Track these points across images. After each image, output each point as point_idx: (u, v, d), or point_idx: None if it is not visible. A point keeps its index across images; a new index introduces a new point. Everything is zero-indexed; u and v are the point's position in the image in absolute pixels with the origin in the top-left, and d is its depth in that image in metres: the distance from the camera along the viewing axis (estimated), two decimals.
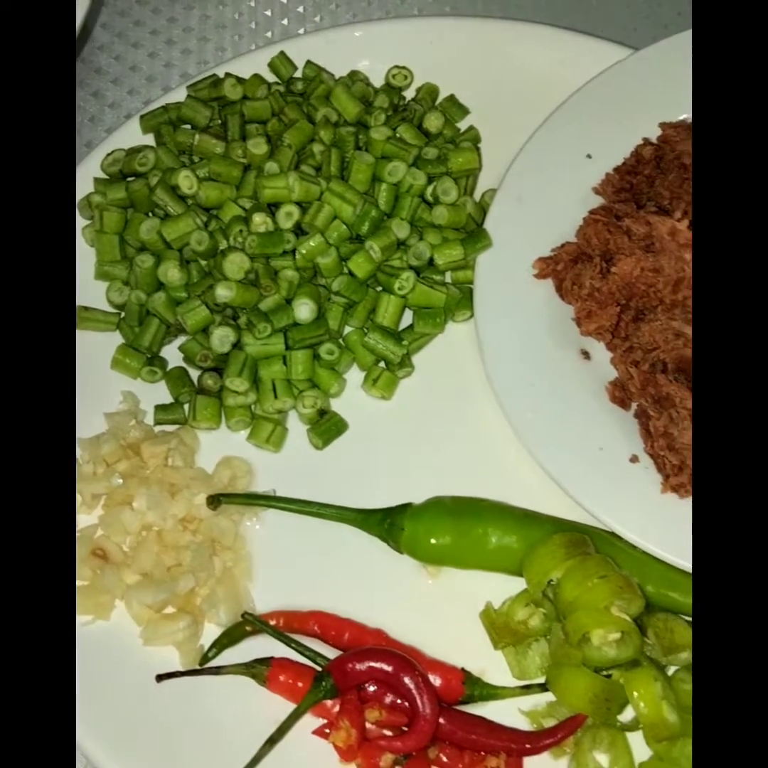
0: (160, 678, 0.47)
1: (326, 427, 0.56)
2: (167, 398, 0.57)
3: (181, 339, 0.58)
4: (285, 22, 0.77)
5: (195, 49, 0.75)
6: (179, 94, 0.64)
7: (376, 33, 0.70)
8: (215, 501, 0.51)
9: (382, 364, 0.58)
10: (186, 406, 0.56)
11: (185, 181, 0.57)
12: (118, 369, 0.57)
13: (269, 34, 0.77)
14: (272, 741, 0.45)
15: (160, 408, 0.56)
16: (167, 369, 0.57)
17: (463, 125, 0.66)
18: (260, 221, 0.56)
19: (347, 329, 0.59)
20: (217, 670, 0.48)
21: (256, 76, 0.64)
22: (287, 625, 0.50)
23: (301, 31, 0.76)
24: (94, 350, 0.57)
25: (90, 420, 0.54)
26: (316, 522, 0.54)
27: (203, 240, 0.55)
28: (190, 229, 0.56)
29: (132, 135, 0.63)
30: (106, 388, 0.56)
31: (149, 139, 0.63)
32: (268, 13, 0.78)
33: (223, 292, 0.54)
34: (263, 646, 0.50)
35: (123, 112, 0.72)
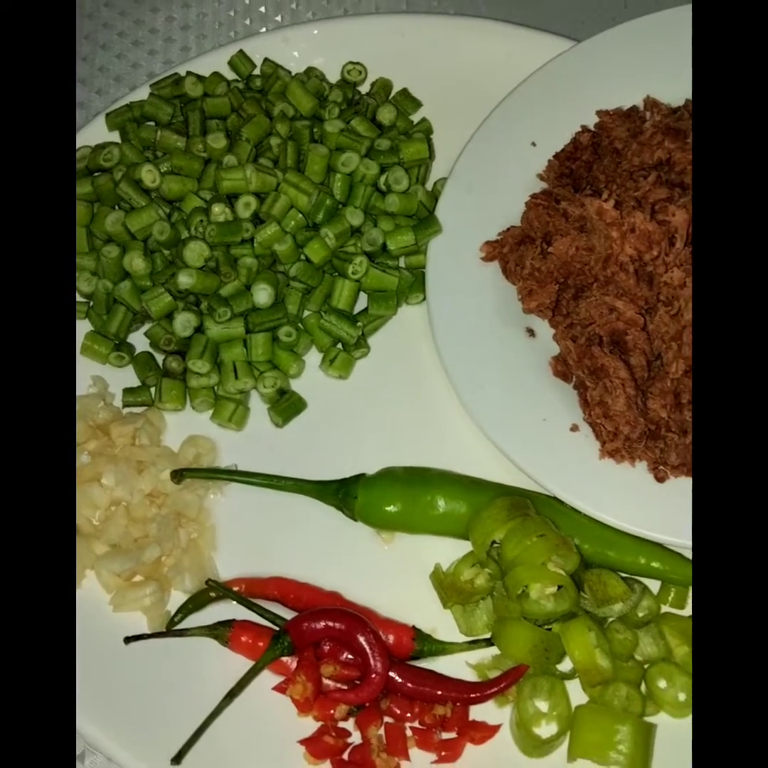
0: (127, 640, 0.50)
1: (285, 405, 0.59)
2: (134, 382, 0.60)
3: (147, 325, 0.61)
4: (247, 21, 0.80)
5: (161, 50, 0.78)
6: (143, 93, 0.67)
7: (332, 31, 0.73)
8: (179, 475, 0.54)
9: (339, 345, 0.61)
10: (153, 389, 0.59)
11: (148, 174, 0.60)
12: (87, 355, 0.60)
13: (232, 33, 0.80)
14: (232, 695, 0.48)
15: (127, 391, 0.59)
16: (134, 354, 0.60)
17: (415, 117, 0.70)
18: (219, 211, 0.59)
19: (305, 313, 0.62)
20: (182, 632, 0.51)
21: (216, 74, 0.67)
22: (249, 590, 0.53)
23: (263, 30, 0.79)
24: None
25: None
26: (276, 495, 0.57)
27: (165, 230, 0.58)
28: (152, 221, 0.59)
29: (98, 132, 0.66)
30: (82, 374, 0.59)
31: (115, 136, 0.66)
32: (231, 13, 0.81)
33: (185, 279, 0.57)
34: (227, 610, 0.53)
35: (92, 111, 0.74)
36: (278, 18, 0.80)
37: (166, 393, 0.58)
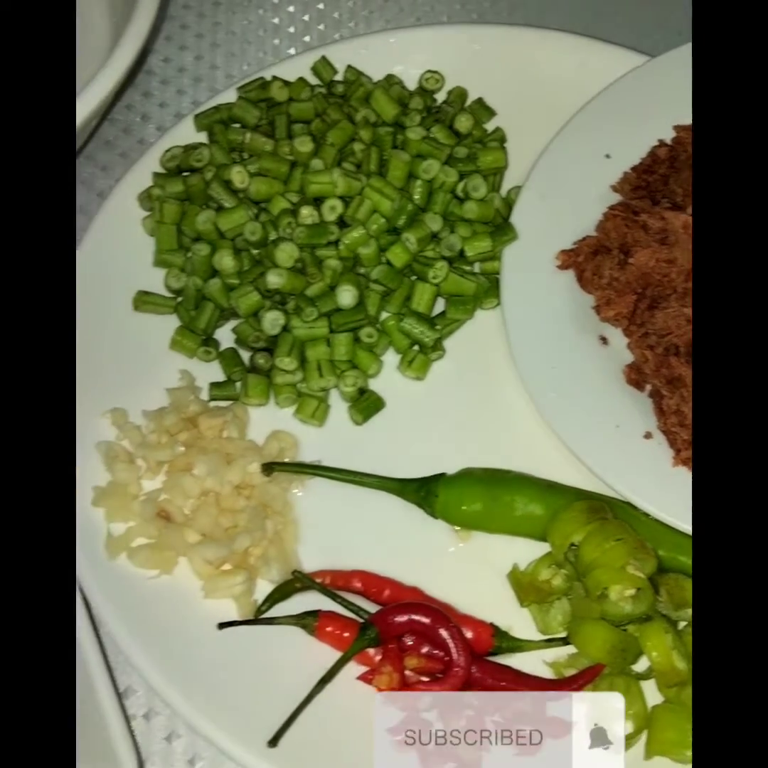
0: (221, 626, 0.52)
1: (366, 404, 0.61)
2: (217, 376, 0.62)
3: (232, 322, 0.63)
4: (322, 27, 0.82)
5: (238, 52, 0.80)
6: (228, 96, 0.69)
7: (409, 39, 0.74)
8: (269, 469, 0.56)
9: (415, 347, 0.63)
10: (237, 384, 0.61)
11: (238, 176, 0.62)
12: (176, 349, 0.62)
13: (307, 38, 0.82)
14: (323, 681, 0.50)
15: (214, 385, 0.61)
16: (220, 349, 0.62)
17: (489, 126, 0.71)
18: (307, 213, 0.61)
19: (384, 315, 0.64)
20: (271, 620, 0.53)
21: (301, 80, 0.69)
22: (332, 582, 0.55)
23: (337, 35, 0.81)
24: (154, 331, 0.62)
25: (151, 394, 0.59)
26: (355, 490, 0.59)
27: (256, 231, 0.60)
28: (243, 221, 0.61)
29: (185, 132, 0.68)
30: (164, 366, 0.61)
31: (202, 137, 0.68)
32: (306, 17, 0.83)
33: (274, 279, 0.59)
34: (310, 601, 0.54)
35: (172, 110, 0.76)
36: (352, 24, 0.82)
37: (252, 388, 0.60)
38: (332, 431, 0.61)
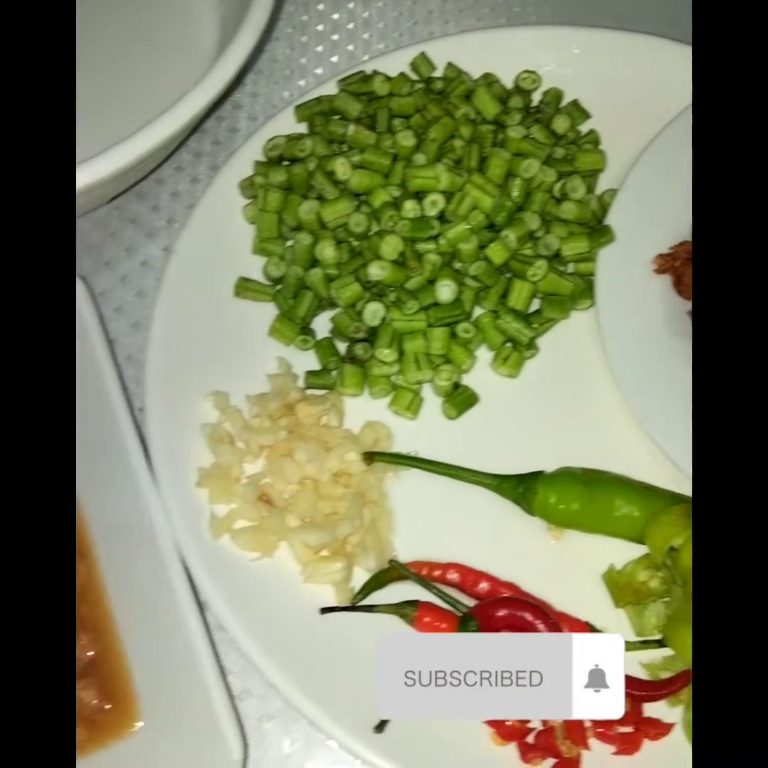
0: (323, 610, 0.52)
1: (460, 399, 0.61)
2: (310, 365, 0.62)
3: (328, 312, 0.63)
4: (411, 23, 0.82)
5: (328, 47, 0.81)
6: (327, 88, 0.70)
7: (503, 39, 0.75)
8: (370, 458, 0.57)
9: (508, 344, 0.63)
10: (333, 373, 0.62)
11: (341, 167, 0.63)
12: (274, 336, 0.62)
13: (397, 34, 0.82)
14: None
15: (311, 373, 0.61)
16: (317, 339, 0.63)
17: (582, 129, 0.71)
18: (411, 207, 0.61)
19: (477, 311, 0.64)
20: (371, 608, 0.53)
21: (403, 75, 0.69)
22: (428, 574, 0.55)
23: (428, 33, 0.81)
24: (252, 318, 0.63)
25: (249, 380, 0.60)
26: (447, 484, 0.59)
27: (361, 222, 0.61)
28: (346, 212, 0.61)
29: (285, 123, 0.68)
30: (261, 352, 0.62)
31: (300, 127, 0.68)
32: (396, 13, 0.83)
33: (377, 271, 0.60)
34: (403, 591, 0.55)
35: (263, 100, 0.77)
36: (443, 22, 0.83)
37: (348, 378, 0.60)
38: (424, 424, 0.62)
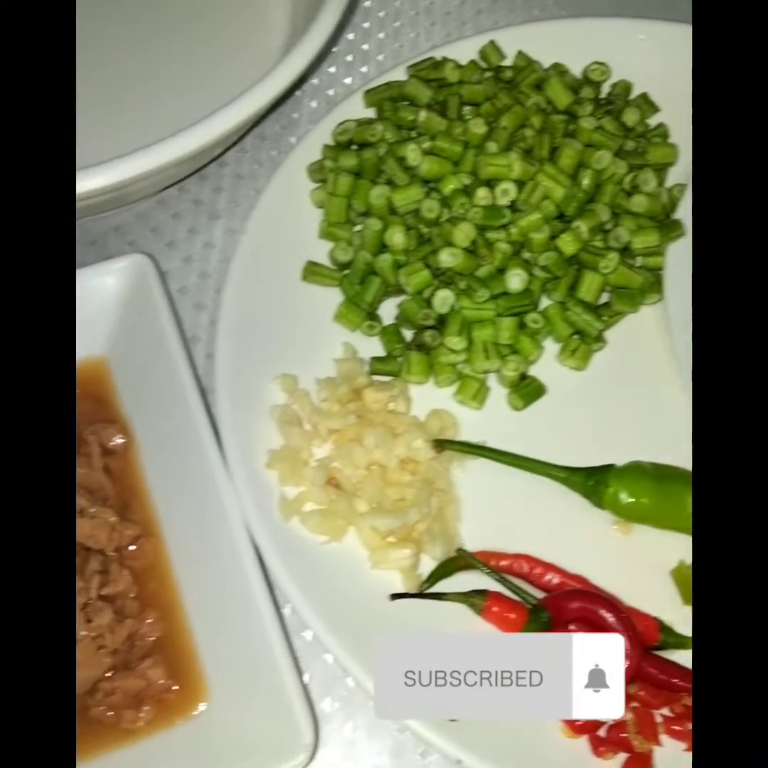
0: (393, 597, 0.52)
1: (527, 390, 0.60)
2: (373, 351, 0.62)
3: (394, 299, 0.63)
4: (475, 12, 0.82)
5: (391, 33, 0.81)
6: (395, 74, 0.69)
7: (571, 29, 0.74)
8: (440, 446, 0.56)
9: (576, 336, 0.62)
10: (398, 360, 0.61)
11: (412, 153, 0.62)
12: (340, 322, 0.62)
13: (460, 23, 0.82)
14: None
15: (377, 360, 0.61)
16: (383, 325, 0.62)
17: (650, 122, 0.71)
18: (483, 195, 0.60)
19: (543, 303, 0.63)
20: (440, 596, 0.53)
21: (473, 62, 0.68)
22: (496, 564, 0.55)
23: (492, 22, 0.81)
24: (318, 303, 0.63)
25: (315, 363, 0.59)
26: (512, 474, 0.58)
27: (433, 209, 0.60)
28: (418, 198, 0.61)
29: (352, 108, 0.68)
30: (326, 337, 0.62)
31: (366, 113, 0.68)
32: (458, 1, 0.83)
33: (448, 258, 0.59)
34: (471, 580, 0.54)
35: (325, 86, 0.77)
36: (508, 11, 0.82)
37: (415, 366, 0.60)
38: (488, 415, 0.61)
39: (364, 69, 0.79)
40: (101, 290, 0.60)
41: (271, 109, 0.74)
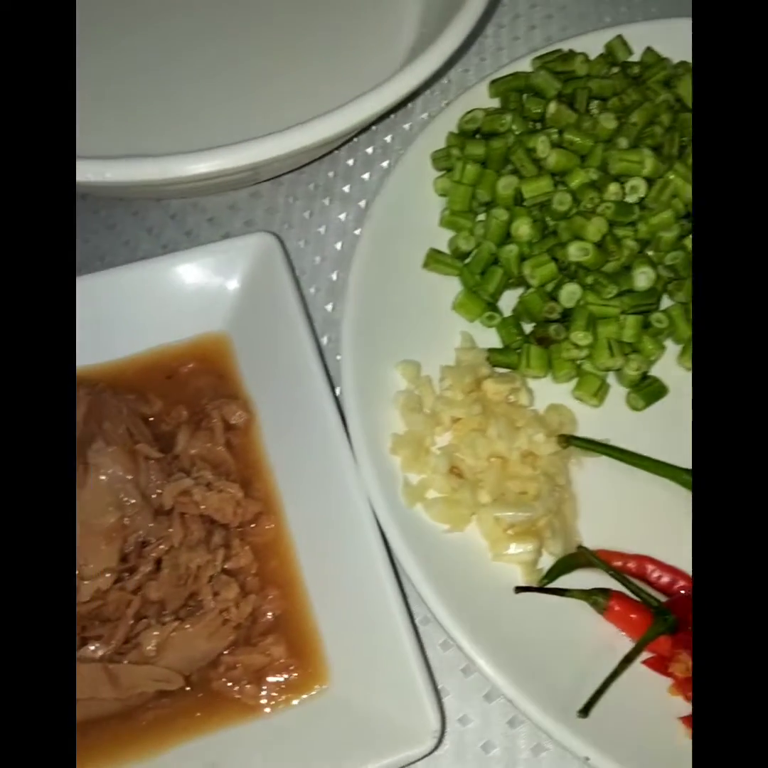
0: (517, 590, 0.52)
1: (649, 390, 0.60)
2: (487, 342, 0.61)
3: (514, 290, 0.63)
4: (594, 8, 0.81)
5: (507, 23, 0.80)
6: (520, 65, 0.69)
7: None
8: (565, 441, 0.56)
9: None
10: (516, 353, 0.61)
11: (541, 145, 0.61)
12: (459, 311, 0.61)
13: (582, 18, 0.81)
14: (628, 659, 0.49)
15: (495, 351, 0.60)
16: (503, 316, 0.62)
17: None
18: (614, 190, 0.60)
19: (666, 303, 0.62)
20: (563, 592, 0.52)
21: (602, 56, 0.68)
22: (617, 564, 0.54)
23: (608, 19, 0.80)
24: (436, 290, 0.62)
25: (433, 351, 0.59)
26: (628, 473, 0.57)
27: (564, 202, 0.60)
28: (547, 190, 0.60)
29: (476, 97, 0.67)
30: (445, 326, 0.61)
31: (487, 102, 0.67)
32: None
33: (578, 252, 0.59)
34: (589, 578, 0.54)
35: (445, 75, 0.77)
36: (623, 9, 0.81)
37: (534, 359, 0.59)
38: (606, 413, 0.60)
39: (479, 60, 0.78)
40: (226, 267, 0.60)
41: None
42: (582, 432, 0.59)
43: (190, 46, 0.72)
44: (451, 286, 0.63)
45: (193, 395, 0.59)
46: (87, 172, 0.54)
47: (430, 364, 0.59)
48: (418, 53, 0.61)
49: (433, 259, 0.62)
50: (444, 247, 0.63)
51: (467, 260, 0.63)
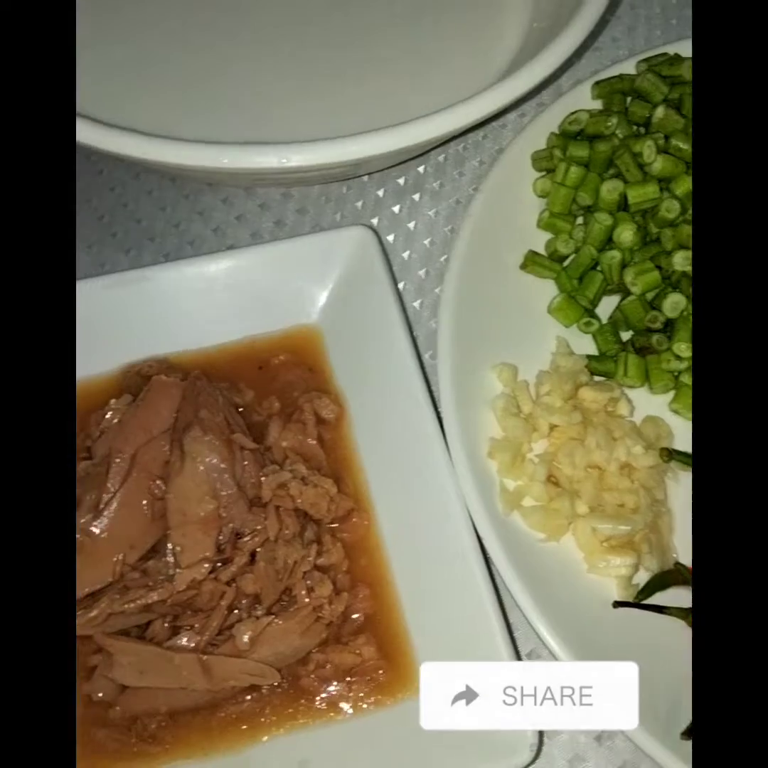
0: (616, 604, 0.50)
1: None
2: (582, 349, 0.60)
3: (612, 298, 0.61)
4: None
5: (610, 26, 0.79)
6: (624, 67, 0.67)
7: None
8: (668, 455, 0.54)
9: None
10: (613, 361, 0.59)
11: (648, 150, 0.60)
12: (556, 315, 0.60)
13: (673, 21, 0.79)
14: None
15: (593, 358, 0.59)
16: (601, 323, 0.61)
17: None
18: None
19: None
20: (662, 609, 0.51)
21: None
22: None
23: None
24: (530, 293, 0.61)
25: (528, 355, 0.58)
26: None
27: (672, 209, 0.58)
28: (653, 196, 0.59)
29: (578, 98, 0.66)
30: (539, 329, 0.60)
31: (592, 104, 0.66)
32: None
33: (684, 262, 0.57)
34: (684, 596, 0.52)
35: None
36: None
37: (632, 369, 0.58)
38: None
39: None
40: (322, 259, 0.59)
41: None
42: (676, 446, 0.58)
43: (290, 40, 0.71)
44: (546, 289, 0.62)
45: (283, 387, 0.58)
46: (222, 158, 0.52)
47: (523, 368, 0.58)
48: (530, 55, 0.59)
49: (532, 261, 0.61)
50: (539, 249, 0.62)
51: (565, 264, 0.62)
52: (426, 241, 0.68)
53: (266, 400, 0.57)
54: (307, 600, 0.48)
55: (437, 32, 0.70)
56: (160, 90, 0.67)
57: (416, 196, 0.70)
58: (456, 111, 0.54)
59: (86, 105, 0.55)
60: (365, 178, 0.70)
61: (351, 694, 0.49)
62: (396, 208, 0.69)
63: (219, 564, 0.49)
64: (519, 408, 0.56)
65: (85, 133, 0.54)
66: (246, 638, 0.47)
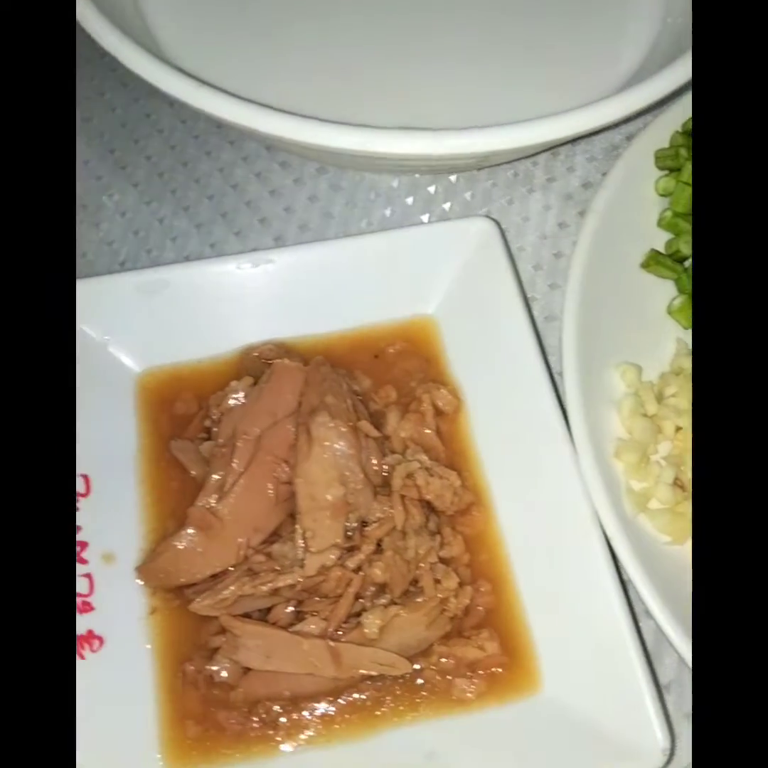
0: None
1: None
2: None
3: None
4: None
5: None
6: None
7: None
8: None
9: None
10: None
11: None
12: (677, 317, 0.59)
13: None
14: None
15: None
16: None
17: None
18: None
19: None
20: None
21: None
22: None
23: None
24: (650, 293, 0.60)
25: (648, 355, 0.57)
26: None
27: None
28: None
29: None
30: (658, 330, 0.59)
31: None
32: None
33: None
34: None
35: None
36: None
37: None
38: None
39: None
40: (443, 250, 0.59)
41: None
42: None
43: (425, 31, 0.71)
44: (665, 289, 0.61)
45: (399, 377, 0.58)
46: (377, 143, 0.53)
47: (648, 368, 0.58)
48: (667, 57, 0.58)
49: (654, 261, 0.60)
50: (660, 248, 0.62)
51: (687, 265, 0.61)
52: (534, 236, 0.67)
53: (382, 389, 0.57)
54: (433, 592, 0.48)
55: (569, 28, 0.70)
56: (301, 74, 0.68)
57: (525, 190, 0.69)
58: (611, 103, 0.54)
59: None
60: (475, 170, 0.69)
61: (473, 689, 0.48)
62: (505, 201, 0.68)
63: (346, 551, 0.48)
64: (645, 409, 0.55)
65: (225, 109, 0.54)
66: (374, 627, 0.47)
